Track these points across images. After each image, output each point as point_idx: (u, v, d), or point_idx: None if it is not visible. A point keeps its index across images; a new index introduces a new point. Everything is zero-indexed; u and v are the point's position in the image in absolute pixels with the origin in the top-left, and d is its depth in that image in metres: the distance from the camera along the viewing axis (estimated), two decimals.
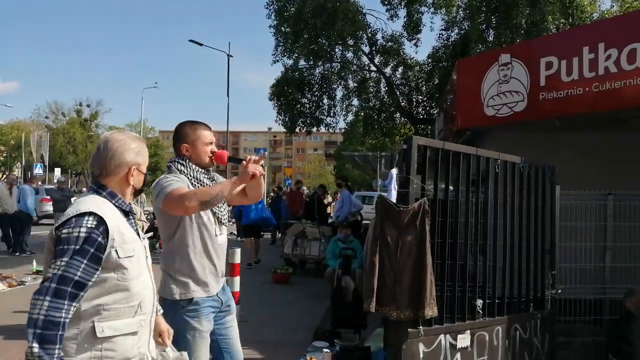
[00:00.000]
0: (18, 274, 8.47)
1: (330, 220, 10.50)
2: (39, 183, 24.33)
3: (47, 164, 38.15)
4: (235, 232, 14.55)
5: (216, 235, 2.62)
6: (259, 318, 6.20)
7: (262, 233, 11.66)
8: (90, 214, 1.77)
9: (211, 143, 2.69)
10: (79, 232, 1.73)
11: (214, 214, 2.61)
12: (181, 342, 2.48)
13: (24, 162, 47.58)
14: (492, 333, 3.73)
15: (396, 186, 4.03)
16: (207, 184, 2.61)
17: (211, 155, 2.67)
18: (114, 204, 1.89)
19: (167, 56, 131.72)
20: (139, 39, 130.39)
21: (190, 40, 23.24)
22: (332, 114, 16.50)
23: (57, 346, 1.63)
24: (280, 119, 16.26)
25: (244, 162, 2.44)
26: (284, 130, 17.53)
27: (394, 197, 3.99)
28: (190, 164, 2.62)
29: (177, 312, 2.51)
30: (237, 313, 5.88)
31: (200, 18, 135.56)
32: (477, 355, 3.60)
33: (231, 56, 24.32)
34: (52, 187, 16.10)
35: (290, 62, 15.67)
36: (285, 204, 14.58)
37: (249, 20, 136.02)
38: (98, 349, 1.78)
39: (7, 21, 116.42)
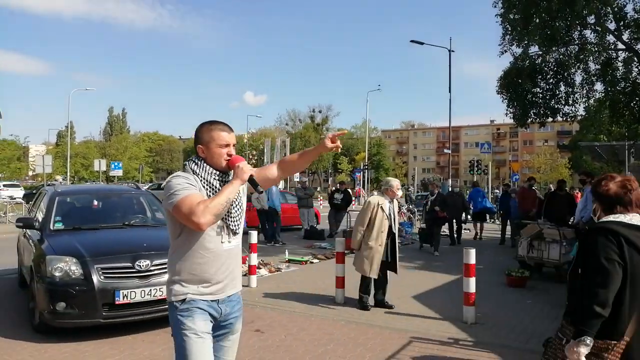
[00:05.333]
0: (275, 262, 9.88)
1: (571, 222, 9.51)
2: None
3: None
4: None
5: (222, 243, 2.48)
6: (496, 321, 6.03)
7: (486, 219, 15.74)
8: None
9: (227, 145, 2.52)
10: None
11: (223, 220, 2.47)
12: (179, 345, 2.42)
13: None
14: None
15: None
16: (218, 188, 2.48)
17: (227, 158, 2.51)
18: None
19: (389, 58, 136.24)
20: (363, 44, 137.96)
21: (412, 41, 23.70)
22: (570, 102, 14.90)
23: None
24: (510, 112, 15.38)
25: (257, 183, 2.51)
26: (512, 122, 16.52)
27: None
28: (205, 165, 2.52)
29: (172, 314, 2.46)
30: (473, 314, 5.89)
31: (419, 17, 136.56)
32: None
33: (453, 51, 23.96)
34: (297, 186, 18.19)
35: (520, 50, 14.70)
36: (514, 202, 13.75)
37: (467, 11, 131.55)
38: None
39: (259, 47, 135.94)
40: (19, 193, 31.32)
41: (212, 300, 2.48)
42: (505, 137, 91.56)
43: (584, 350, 2.21)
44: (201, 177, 2.49)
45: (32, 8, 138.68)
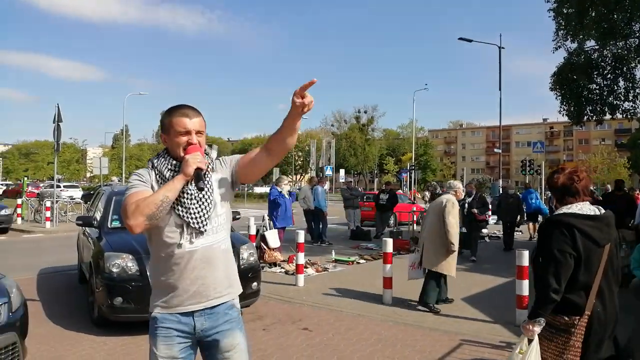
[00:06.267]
0: (322, 262, 9.92)
1: (631, 224, 9.03)
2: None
3: (333, 166, 43.43)
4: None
5: (180, 244, 2.09)
6: None
7: (538, 219, 14.79)
8: None
9: (188, 133, 2.13)
10: None
11: (180, 217, 2.10)
12: None
13: (317, 165, 55.26)
14: None
15: None
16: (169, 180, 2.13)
17: (185, 147, 2.14)
18: None
19: (437, 56, 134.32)
20: (410, 43, 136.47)
21: (460, 38, 23.27)
22: (630, 97, 14.18)
23: None
24: (564, 109, 14.80)
25: (203, 172, 2.12)
26: (567, 120, 15.90)
27: None
28: (167, 156, 2.19)
29: None
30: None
31: (467, 14, 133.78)
32: None
33: (503, 48, 23.34)
34: (343, 187, 18.18)
35: (574, 45, 14.15)
36: None
37: (518, 6, 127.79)
38: None
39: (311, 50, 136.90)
40: (77, 193, 32.91)
41: (181, 314, 2.14)
42: (559, 136, 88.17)
43: (537, 330, 2.56)
44: (157, 169, 2.18)
45: (88, 17, 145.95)
